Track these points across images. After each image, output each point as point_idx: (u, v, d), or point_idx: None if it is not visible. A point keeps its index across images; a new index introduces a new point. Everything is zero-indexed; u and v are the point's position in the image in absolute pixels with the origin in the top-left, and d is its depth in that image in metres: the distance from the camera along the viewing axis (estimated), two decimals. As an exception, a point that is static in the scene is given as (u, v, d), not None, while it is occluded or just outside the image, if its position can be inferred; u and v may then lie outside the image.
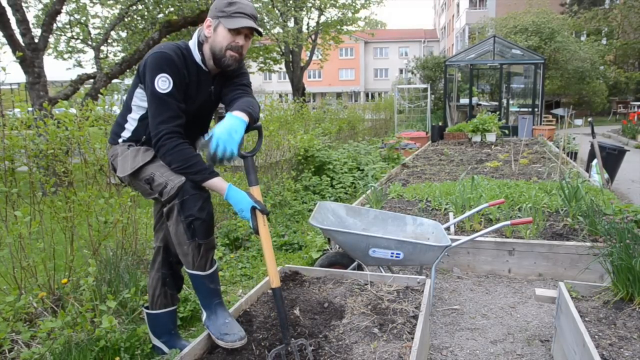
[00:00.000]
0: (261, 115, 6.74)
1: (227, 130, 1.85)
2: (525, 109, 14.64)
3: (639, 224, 3.76)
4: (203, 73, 2.13)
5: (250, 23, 2.02)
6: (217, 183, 1.97)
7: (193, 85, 2.10)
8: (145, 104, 2.07)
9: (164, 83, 1.97)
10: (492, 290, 3.43)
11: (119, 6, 11.33)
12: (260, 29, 2.07)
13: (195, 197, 1.96)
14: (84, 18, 11.09)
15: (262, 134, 2.21)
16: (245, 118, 1.95)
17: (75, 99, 7.72)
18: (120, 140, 2.17)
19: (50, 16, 8.27)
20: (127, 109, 2.16)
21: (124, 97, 2.25)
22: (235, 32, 2.03)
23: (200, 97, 2.16)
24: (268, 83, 46.01)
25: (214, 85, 2.20)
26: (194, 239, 1.98)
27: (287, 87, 26.85)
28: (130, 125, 2.15)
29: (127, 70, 9.81)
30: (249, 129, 2.02)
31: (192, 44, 2.12)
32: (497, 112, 13.44)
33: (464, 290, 3.44)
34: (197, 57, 2.10)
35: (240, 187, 2.02)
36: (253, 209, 1.93)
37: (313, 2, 18.08)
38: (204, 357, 2.04)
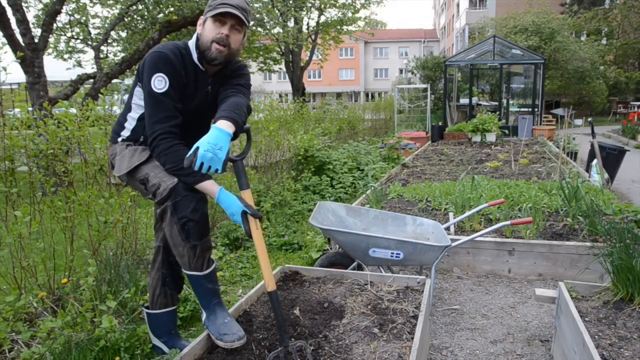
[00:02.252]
0: (261, 115, 6.78)
1: (211, 147, 1.76)
2: (525, 109, 14.64)
3: (639, 224, 3.76)
4: (201, 73, 2.13)
5: (231, 10, 1.99)
6: (209, 186, 1.96)
7: (191, 85, 2.10)
8: (143, 103, 2.08)
9: (160, 82, 1.97)
10: (492, 290, 3.43)
11: (119, 6, 11.33)
12: (244, 19, 2.03)
13: (188, 198, 1.94)
14: (84, 18, 11.09)
15: (251, 137, 2.16)
16: (230, 129, 1.85)
17: (75, 99, 7.72)
18: (119, 140, 2.18)
19: (50, 16, 8.27)
20: (127, 108, 2.17)
21: (124, 97, 2.26)
22: (219, 21, 2.03)
23: (197, 96, 2.16)
24: (268, 83, 46.01)
25: (211, 85, 2.19)
26: (189, 240, 1.97)
27: (287, 87, 26.85)
28: (130, 124, 2.16)
29: (127, 70, 9.80)
30: (236, 134, 1.96)
31: (192, 43, 2.12)
32: (497, 112, 13.44)
33: (464, 290, 3.44)
34: (195, 56, 2.10)
35: (238, 189, 2.01)
36: (244, 213, 1.91)
37: (313, 2, 18.08)
38: (204, 357, 2.04)
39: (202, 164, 1.75)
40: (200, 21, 2.11)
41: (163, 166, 1.99)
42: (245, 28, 2.11)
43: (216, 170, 1.80)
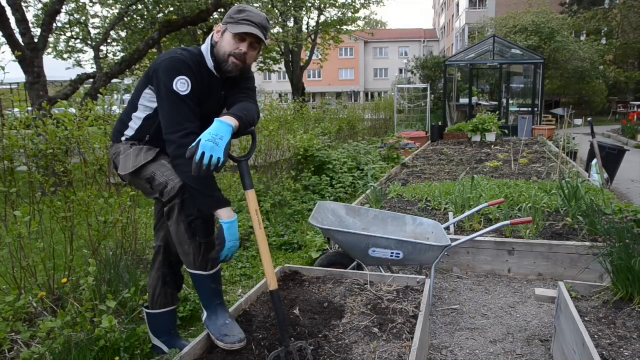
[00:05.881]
0: (261, 115, 6.78)
1: (212, 138, 1.79)
2: (525, 109, 14.64)
3: (638, 224, 3.76)
4: (214, 79, 2.14)
5: (254, 30, 2.02)
6: (225, 213, 1.93)
7: (206, 91, 2.10)
8: (153, 105, 2.07)
9: (182, 85, 1.97)
10: (492, 290, 3.43)
11: (118, 6, 11.34)
12: (264, 38, 2.06)
13: None
14: (84, 18, 11.09)
15: (256, 139, 2.22)
16: (232, 122, 1.90)
17: (74, 99, 7.72)
18: (123, 139, 2.18)
19: (50, 16, 8.26)
20: (133, 107, 2.16)
21: (124, 97, 2.25)
22: (239, 38, 2.04)
23: (211, 102, 2.16)
24: (268, 83, 45.99)
25: (224, 90, 2.21)
26: (195, 238, 1.99)
27: (287, 87, 26.85)
28: (135, 123, 2.15)
29: (127, 70, 9.80)
30: (241, 133, 2.02)
31: (205, 49, 2.11)
32: (497, 112, 13.44)
33: (464, 290, 3.44)
34: (210, 63, 2.10)
35: (239, 188, 2.02)
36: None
37: (313, 2, 18.07)
38: (204, 357, 2.04)
39: (203, 153, 1.77)
40: (218, 28, 2.09)
41: (187, 167, 1.86)
42: (262, 45, 2.12)
43: (218, 160, 1.79)
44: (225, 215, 1.92)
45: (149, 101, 2.10)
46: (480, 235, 3.13)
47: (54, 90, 11.43)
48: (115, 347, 2.28)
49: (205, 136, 1.80)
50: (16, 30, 7.62)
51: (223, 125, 1.86)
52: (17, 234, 2.50)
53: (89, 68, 13.77)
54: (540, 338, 2.72)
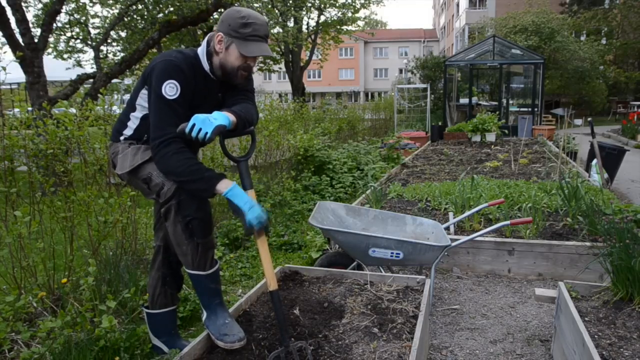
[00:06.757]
0: (261, 115, 6.78)
1: (206, 116, 1.89)
2: (525, 109, 14.64)
3: (638, 224, 3.76)
4: (211, 81, 2.13)
5: (265, 49, 2.03)
6: (222, 186, 1.93)
7: (200, 94, 2.10)
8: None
9: (171, 89, 1.97)
10: (492, 290, 3.43)
11: (118, 6, 11.34)
12: (272, 53, 2.06)
13: (192, 196, 1.96)
14: (84, 18, 11.09)
15: (255, 139, 2.23)
16: (230, 116, 1.96)
17: (74, 99, 7.71)
18: (121, 138, 2.18)
19: (50, 16, 8.26)
20: (130, 107, 2.16)
21: (124, 97, 2.26)
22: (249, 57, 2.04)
23: (208, 104, 2.16)
24: (268, 83, 46.00)
25: (221, 92, 2.21)
26: (192, 239, 1.99)
27: (286, 86, 26.84)
28: (133, 123, 2.15)
29: (127, 70, 9.79)
30: (240, 132, 2.05)
31: (201, 53, 2.10)
32: (497, 112, 13.44)
33: (464, 290, 3.44)
34: (206, 67, 2.09)
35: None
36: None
37: (313, 2, 18.07)
38: (204, 357, 2.04)
39: (194, 125, 1.86)
40: (220, 38, 2.03)
41: (169, 167, 1.94)
42: None
43: (205, 134, 1.85)
44: (223, 187, 1.91)
45: (145, 101, 2.10)
46: (480, 235, 3.13)
47: (54, 90, 11.43)
48: (115, 347, 2.28)
49: (200, 115, 1.89)
50: (16, 30, 7.62)
51: (220, 113, 1.94)
52: (17, 234, 2.50)
53: (89, 68, 13.79)
54: (540, 338, 2.72)
